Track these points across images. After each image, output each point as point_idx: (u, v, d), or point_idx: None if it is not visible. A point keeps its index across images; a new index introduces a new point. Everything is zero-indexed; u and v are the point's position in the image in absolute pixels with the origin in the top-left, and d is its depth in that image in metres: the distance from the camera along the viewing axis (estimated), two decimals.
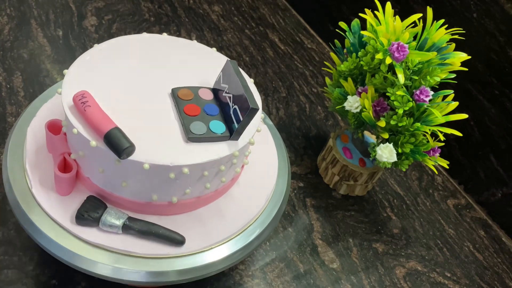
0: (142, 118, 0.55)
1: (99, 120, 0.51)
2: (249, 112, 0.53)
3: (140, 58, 0.61)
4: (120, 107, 0.55)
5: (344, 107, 0.76)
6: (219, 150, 0.55)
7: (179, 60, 0.63)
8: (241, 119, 0.54)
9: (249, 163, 0.66)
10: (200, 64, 0.64)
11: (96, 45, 0.61)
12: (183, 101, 0.57)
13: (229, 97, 0.56)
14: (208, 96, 0.59)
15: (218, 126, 0.56)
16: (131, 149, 0.50)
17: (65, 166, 0.57)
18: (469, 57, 0.70)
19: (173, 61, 0.63)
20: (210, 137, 0.55)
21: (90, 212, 0.55)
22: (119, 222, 0.55)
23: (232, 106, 0.56)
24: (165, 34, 0.66)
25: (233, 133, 0.55)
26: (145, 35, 0.65)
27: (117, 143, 0.50)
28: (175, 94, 0.58)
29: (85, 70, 0.57)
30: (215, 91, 0.60)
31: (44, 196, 0.57)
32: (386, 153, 0.71)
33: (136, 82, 0.59)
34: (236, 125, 0.55)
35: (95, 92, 0.54)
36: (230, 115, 0.56)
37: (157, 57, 0.62)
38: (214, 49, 0.66)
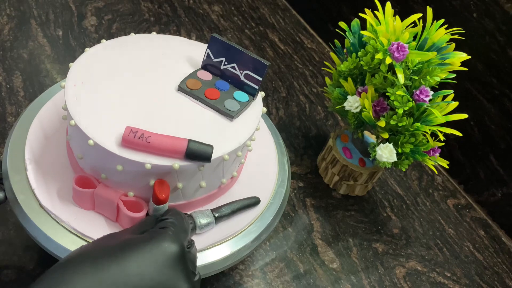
0: (169, 116, 0.56)
1: (169, 142, 0.51)
2: (264, 69, 0.58)
3: (128, 59, 0.61)
4: (143, 110, 0.56)
5: (344, 107, 0.76)
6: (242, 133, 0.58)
7: (163, 55, 0.63)
8: (260, 78, 0.59)
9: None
10: (183, 54, 0.64)
11: (82, 56, 0.60)
12: (196, 90, 0.59)
13: (233, 67, 0.59)
14: (207, 76, 0.61)
15: (241, 95, 0.60)
16: (212, 149, 0.52)
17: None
18: (469, 57, 0.70)
19: (157, 57, 0.63)
20: (244, 107, 0.59)
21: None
22: (211, 218, 0.57)
23: (242, 73, 0.60)
24: (132, 34, 0.66)
25: (255, 94, 0.60)
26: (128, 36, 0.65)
27: (202, 154, 0.51)
28: (186, 88, 0.59)
29: (82, 82, 0.57)
30: (210, 70, 0.62)
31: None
32: (386, 153, 0.72)
33: (137, 82, 0.59)
34: (254, 85, 0.60)
35: (108, 104, 0.55)
36: (241, 82, 0.60)
37: (143, 55, 0.62)
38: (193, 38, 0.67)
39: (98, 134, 0.51)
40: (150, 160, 0.51)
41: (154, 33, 0.67)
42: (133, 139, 0.50)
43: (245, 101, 0.59)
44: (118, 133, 0.52)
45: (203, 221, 0.57)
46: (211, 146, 0.52)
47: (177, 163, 0.51)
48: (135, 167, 0.51)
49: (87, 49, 0.60)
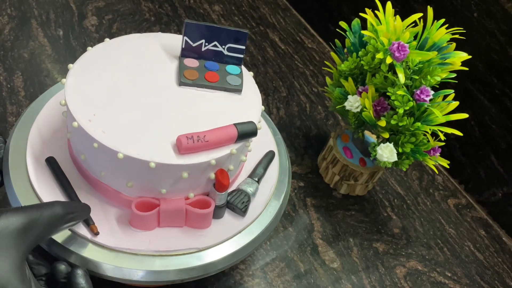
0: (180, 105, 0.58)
1: (222, 133, 0.54)
2: (245, 37, 0.61)
3: (118, 65, 0.60)
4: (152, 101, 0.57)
5: (344, 106, 0.76)
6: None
7: (147, 54, 0.63)
8: (243, 47, 0.62)
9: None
10: (164, 49, 0.65)
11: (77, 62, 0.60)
12: (196, 78, 0.60)
13: (214, 45, 0.61)
14: (194, 63, 0.62)
15: (233, 69, 0.63)
16: (255, 124, 0.57)
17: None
18: (470, 56, 0.70)
19: (142, 57, 0.63)
20: (242, 78, 0.62)
21: (242, 200, 0.60)
22: (255, 184, 0.63)
23: (224, 48, 0.62)
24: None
25: (241, 64, 0.64)
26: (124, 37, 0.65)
27: (250, 131, 0.55)
28: (187, 80, 0.60)
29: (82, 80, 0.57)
30: (192, 56, 0.63)
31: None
32: (387, 153, 0.72)
33: (137, 87, 0.58)
34: (239, 55, 0.63)
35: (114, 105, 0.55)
36: (226, 56, 0.63)
37: (128, 59, 0.62)
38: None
39: (150, 154, 0.51)
40: (212, 156, 0.53)
41: (132, 34, 0.66)
42: (193, 144, 0.52)
43: (238, 72, 0.63)
44: (161, 145, 0.53)
45: (252, 188, 0.62)
46: (253, 122, 0.56)
47: (233, 148, 0.55)
48: (200, 168, 0.53)
49: (70, 65, 0.58)
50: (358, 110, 0.74)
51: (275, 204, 0.65)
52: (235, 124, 0.55)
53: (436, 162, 0.75)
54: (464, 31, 0.71)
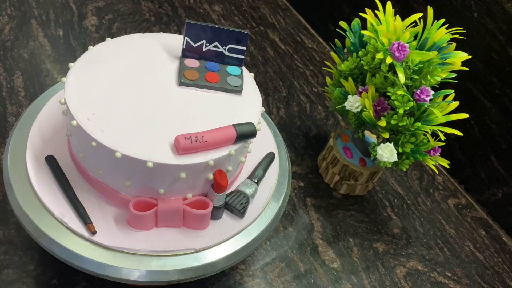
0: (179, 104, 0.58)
1: (221, 134, 0.54)
2: (246, 38, 0.61)
3: (118, 65, 0.60)
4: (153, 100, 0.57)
5: (344, 106, 0.76)
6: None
7: (147, 54, 0.63)
8: (244, 48, 0.62)
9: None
10: (164, 49, 0.65)
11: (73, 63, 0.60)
12: (197, 79, 0.60)
13: (215, 45, 0.61)
14: (194, 63, 0.62)
15: (233, 69, 0.63)
16: (254, 126, 0.57)
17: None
18: (470, 56, 0.70)
19: (142, 57, 0.62)
20: (243, 79, 0.62)
21: (241, 201, 0.60)
22: (254, 185, 0.63)
23: (225, 48, 0.62)
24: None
25: (242, 64, 0.64)
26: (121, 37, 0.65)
27: (249, 132, 0.55)
28: (187, 80, 0.60)
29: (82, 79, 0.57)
30: (193, 56, 0.63)
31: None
32: (387, 153, 0.71)
33: (137, 87, 0.58)
34: (240, 56, 0.62)
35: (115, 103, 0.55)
36: (227, 56, 0.62)
37: (129, 59, 0.62)
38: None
39: (148, 154, 0.51)
40: (210, 157, 0.53)
41: (134, 34, 0.66)
42: (191, 144, 0.52)
43: (239, 73, 0.63)
44: (159, 144, 0.53)
45: (251, 190, 0.62)
46: (252, 123, 0.56)
47: (232, 149, 0.54)
48: (198, 169, 0.53)
49: (71, 64, 0.58)
50: (358, 110, 0.74)
51: (274, 206, 0.65)
52: (234, 125, 0.55)
53: (436, 162, 0.75)
54: (464, 31, 0.71)
